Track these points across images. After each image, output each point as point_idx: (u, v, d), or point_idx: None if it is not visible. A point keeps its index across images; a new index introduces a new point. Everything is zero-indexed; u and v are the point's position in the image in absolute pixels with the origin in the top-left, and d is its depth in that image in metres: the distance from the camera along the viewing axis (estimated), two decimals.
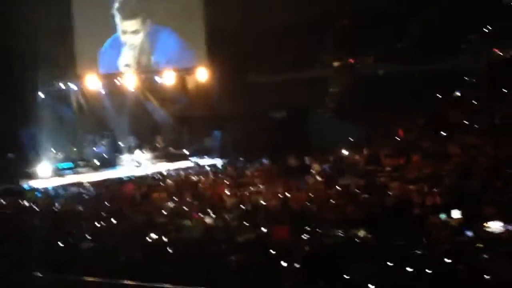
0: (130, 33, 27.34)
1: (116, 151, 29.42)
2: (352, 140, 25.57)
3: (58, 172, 27.37)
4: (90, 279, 11.43)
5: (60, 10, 25.19)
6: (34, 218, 16.54)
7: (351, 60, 31.45)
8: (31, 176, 27.01)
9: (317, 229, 12.81)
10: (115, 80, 28.36)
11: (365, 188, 17.21)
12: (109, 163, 28.60)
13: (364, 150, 23.14)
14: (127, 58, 27.38)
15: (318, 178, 19.74)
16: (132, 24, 27.27)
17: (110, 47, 26.74)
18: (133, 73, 27.72)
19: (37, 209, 18.48)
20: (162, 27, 27.97)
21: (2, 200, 20.35)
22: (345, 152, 23.97)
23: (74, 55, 25.47)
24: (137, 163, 28.42)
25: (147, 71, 28.19)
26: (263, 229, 13.22)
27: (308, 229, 12.84)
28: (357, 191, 17.19)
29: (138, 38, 27.49)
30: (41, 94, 27.41)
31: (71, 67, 25.76)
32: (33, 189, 23.22)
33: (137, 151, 29.07)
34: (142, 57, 27.64)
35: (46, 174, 26.97)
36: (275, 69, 30.17)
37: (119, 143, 29.57)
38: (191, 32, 27.81)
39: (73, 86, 28.01)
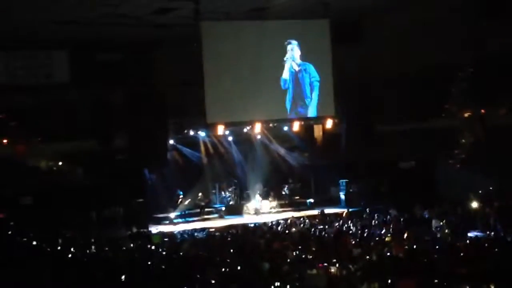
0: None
1: (242, 198, 29.77)
2: (482, 192, 24.76)
3: (185, 217, 28.02)
4: None
5: (192, 64, 26.00)
6: (160, 262, 16.87)
7: (483, 111, 30.59)
8: (159, 220, 27.79)
9: (445, 283, 12.40)
10: (243, 128, 28.75)
11: (496, 242, 16.58)
12: (234, 210, 28.96)
13: (495, 202, 22.36)
14: (259, 107, 27.63)
15: (446, 230, 19.18)
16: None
17: (240, 97, 27.15)
18: (261, 121, 27.94)
19: (163, 253, 18.89)
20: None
21: (131, 244, 20.92)
22: (475, 204, 23.26)
23: (204, 103, 26.07)
24: (259, 211, 28.61)
25: (276, 120, 28.39)
26: (388, 280, 12.93)
27: (436, 282, 12.46)
28: (487, 245, 16.59)
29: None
30: (171, 141, 28.23)
31: (201, 115, 26.39)
32: (160, 234, 23.77)
33: (262, 199, 29.30)
34: (277, 107, 27.78)
35: (173, 219, 27.65)
36: (403, 118, 29.83)
37: (246, 190, 29.91)
38: (319, 82, 27.89)
39: (201, 134, 28.66)
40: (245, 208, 29.09)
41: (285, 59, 26.92)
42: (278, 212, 28.93)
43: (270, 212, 28.82)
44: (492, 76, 29.13)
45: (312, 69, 27.66)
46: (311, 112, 27.90)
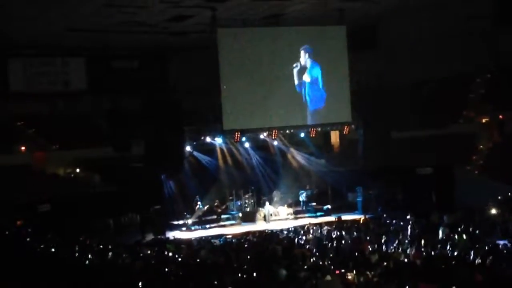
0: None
1: (258, 205, 29.70)
2: (501, 198, 24.56)
3: (202, 224, 28.00)
4: None
5: (208, 72, 26.08)
6: (177, 268, 16.86)
7: (501, 116, 30.42)
8: (176, 227, 27.82)
9: None
10: (260, 135, 28.75)
11: None
12: (250, 216, 28.90)
13: None
14: (275, 114, 27.58)
15: (464, 236, 19.04)
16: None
17: (256, 103, 27.10)
18: (278, 128, 27.92)
19: (180, 259, 18.88)
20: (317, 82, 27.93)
21: (148, 251, 20.94)
22: (494, 211, 23.08)
23: (220, 110, 26.07)
24: (268, 218, 28.53)
25: (292, 126, 28.33)
26: (406, 287, 12.85)
27: None
28: (505, 251, 16.47)
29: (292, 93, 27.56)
30: (188, 148, 28.27)
31: (217, 122, 26.42)
32: (177, 240, 23.77)
33: (279, 206, 29.28)
34: (293, 113, 27.69)
35: (190, 226, 27.67)
36: (420, 125, 29.72)
37: (263, 197, 29.82)
38: (336, 88, 27.83)
39: (218, 140, 28.67)
40: (257, 215, 28.99)
41: (295, 65, 27.04)
42: (295, 218, 28.86)
43: (287, 219, 28.75)
44: (510, 82, 28.98)
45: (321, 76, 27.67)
46: (326, 118, 27.90)
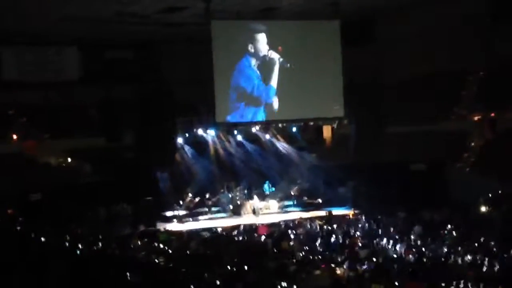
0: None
1: (250, 198, 29.69)
2: (491, 195, 24.63)
3: (193, 216, 28.00)
4: None
5: (202, 62, 26.01)
6: (166, 260, 16.88)
7: (492, 114, 30.46)
8: (167, 219, 27.81)
9: (452, 286, 12.38)
10: (252, 128, 28.79)
11: (504, 245, 16.53)
12: (241, 209, 28.88)
13: (503, 206, 22.28)
14: (269, 107, 27.55)
15: (454, 233, 19.14)
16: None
17: (250, 96, 27.08)
18: (270, 121, 27.91)
19: (170, 251, 18.90)
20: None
21: (138, 242, 20.95)
22: (483, 207, 23.18)
23: (213, 102, 26.02)
24: (257, 211, 28.48)
25: (284, 120, 28.33)
26: (395, 282, 12.92)
27: (443, 285, 12.44)
28: (495, 248, 16.56)
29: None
30: (180, 140, 28.27)
31: (210, 114, 26.38)
32: (168, 232, 23.77)
33: (270, 199, 29.30)
34: (286, 106, 27.68)
35: (181, 218, 27.66)
36: (413, 120, 29.74)
37: (254, 190, 29.81)
38: (328, 82, 27.80)
39: (210, 132, 28.71)
40: (248, 208, 28.96)
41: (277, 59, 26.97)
42: (286, 212, 28.88)
43: (278, 212, 28.74)
44: (503, 80, 29.02)
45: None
46: (320, 112, 27.87)
